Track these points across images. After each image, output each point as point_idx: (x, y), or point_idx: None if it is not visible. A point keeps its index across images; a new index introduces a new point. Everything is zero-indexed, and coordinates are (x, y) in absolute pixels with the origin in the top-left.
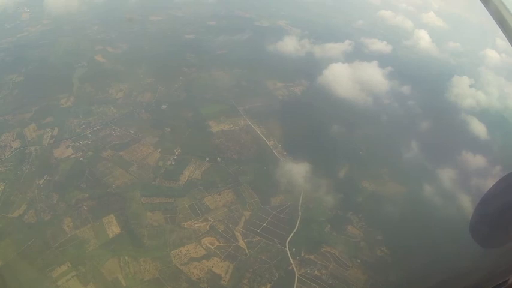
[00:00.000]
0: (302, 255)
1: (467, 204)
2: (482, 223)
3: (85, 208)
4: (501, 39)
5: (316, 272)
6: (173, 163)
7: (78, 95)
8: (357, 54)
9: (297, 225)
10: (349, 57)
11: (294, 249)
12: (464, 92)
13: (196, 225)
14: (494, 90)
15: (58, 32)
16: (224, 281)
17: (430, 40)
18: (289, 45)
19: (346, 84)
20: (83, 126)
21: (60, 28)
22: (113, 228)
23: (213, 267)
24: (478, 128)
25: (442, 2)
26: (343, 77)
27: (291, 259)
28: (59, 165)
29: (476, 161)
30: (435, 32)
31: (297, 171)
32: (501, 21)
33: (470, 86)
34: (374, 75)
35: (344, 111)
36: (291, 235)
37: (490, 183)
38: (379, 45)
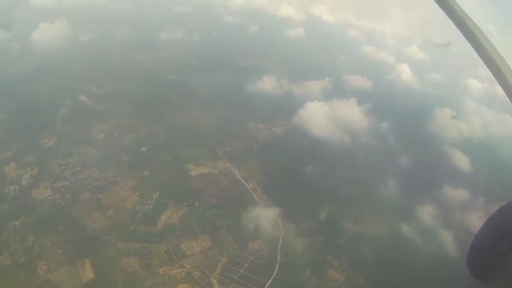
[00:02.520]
0: None
1: (451, 240)
2: (478, 255)
3: (60, 251)
4: (483, 69)
5: None
6: (151, 207)
7: (60, 135)
8: (339, 92)
9: (276, 270)
10: (331, 95)
11: None
12: (446, 123)
13: (171, 271)
14: (476, 119)
15: (45, 70)
16: None
17: (411, 74)
18: (273, 84)
19: (326, 123)
20: (63, 167)
21: (47, 66)
22: (86, 273)
23: None
24: (461, 160)
25: (424, 34)
26: (323, 116)
27: None
28: (36, 206)
29: (460, 195)
30: (417, 65)
31: (276, 214)
32: (485, 57)
33: (453, 117)
34: (354, 112)
35: (324, 150)
36: (269, 281)
37: (474, 216)
38: (360, 82)
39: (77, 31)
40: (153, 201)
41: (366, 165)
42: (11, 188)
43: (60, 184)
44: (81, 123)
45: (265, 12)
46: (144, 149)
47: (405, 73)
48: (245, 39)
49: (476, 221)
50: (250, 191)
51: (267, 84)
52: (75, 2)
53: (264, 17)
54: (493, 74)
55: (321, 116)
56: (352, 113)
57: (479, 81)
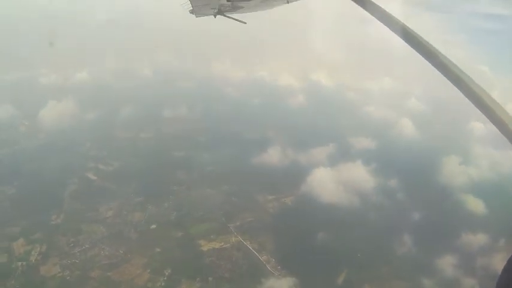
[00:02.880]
0: None
1: (477, 287)
2: None
3: None
4: None
5: None
6: (163, 284)
7: (68, 212)
8: (344, 155)
9: None
10: (336, 160)
11: None
12: (454, 171)
13: None
14: (484, 161)
15: (53, 147)
16: None
17: (413, 127)
18: (278, 155)
19: (334, 188)
20: (72, 244)
21: (55, 143)
22: None
23: None
24: (475, 204)
25: (422, 86)
26: (331, 182)
27: None
28: (45, 283)
29: (479, 239)
30: (418, 117)
31: (292, 284)
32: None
33: (460, 163)
34: (361, 174)
35: (335, 215)
36: None
37: (497, 258)
38: (364, 142)
39: (83, 109)
40: (165, 278)
41: (379, 224)
42: (19, 264)
43: (69, 261)
44: (89, 200)
45: (266, 83)
46: (154, 226)
47: (407, 127)
48: (248, 111)
49: (499, 263)
50: (264, 263)
51: (273, 155)
52: (82, 81)
53: (265, 87)
54: (487, 117)
55: (329, 182)
56: (359, 174)
57: (481, 123)
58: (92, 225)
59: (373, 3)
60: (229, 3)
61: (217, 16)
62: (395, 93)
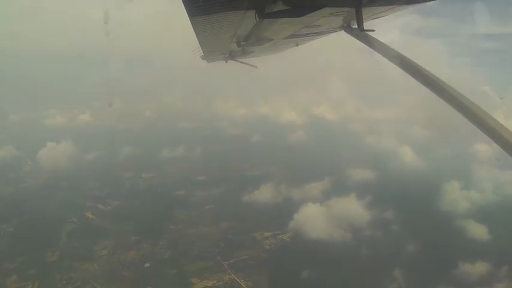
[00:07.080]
0: None
1: None
2: None
3: None
4: None
5: None
6: None
7: (64, 250)
8: (339, 190)
9: None
10: (329, 195)
11: None
12: (455, 197)
13: None
14: (488, 184)
15: (55, 187)
16: None
17: (414, 155)
18: (276, 192)
19: (326, 225)
20: (64, 281)
21: (57, 183)
22: None
23: None
24: (477, 230)
25: (425, 113)
26: (322, 218)
27: None
28: None
29: (478, 268)
30: (420, 145)
31: None
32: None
33: (462, 188)
34: (355, 208)
35: (330, 251)
36: None
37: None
38: (363, 174)
39: (86, 150)
40: None
41: (370, 260)
42: None
43: None
44: (85, 239)
45: (268, 120)
46: (147, 264)
47: (408, 155)
48: (248, 149)
49: None
50: None
51: (270, 192)
52: (85, 122)
53: (266, 124)
54: (491, 138)
55: (320, 218)
56: (353, 208)
57: (486, 144)
58: (85, 263)
59: (372, 37)
60: (239, 48)
61: (228, 61)
62: (399, 122)
